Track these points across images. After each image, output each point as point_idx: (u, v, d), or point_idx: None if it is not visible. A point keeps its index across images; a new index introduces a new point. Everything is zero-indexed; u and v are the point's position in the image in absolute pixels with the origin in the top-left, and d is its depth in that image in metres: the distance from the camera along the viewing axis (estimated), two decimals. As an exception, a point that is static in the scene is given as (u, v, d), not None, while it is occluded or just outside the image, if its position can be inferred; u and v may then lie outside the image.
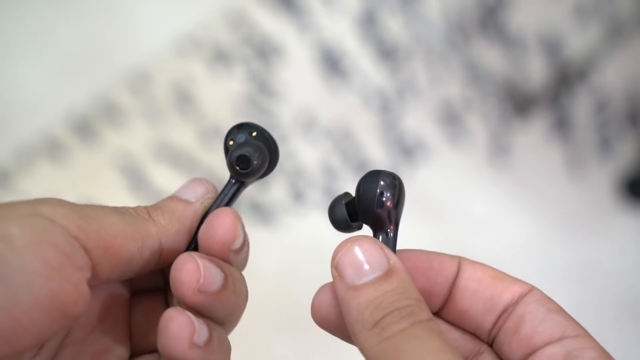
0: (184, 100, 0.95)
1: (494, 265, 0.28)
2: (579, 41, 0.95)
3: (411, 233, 0.86)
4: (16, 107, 0.97)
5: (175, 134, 0.93)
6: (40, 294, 0.21)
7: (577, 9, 0.96)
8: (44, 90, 0.96)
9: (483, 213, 0.89)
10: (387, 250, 0.25)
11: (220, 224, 0.26)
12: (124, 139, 0.93)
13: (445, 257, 0.27)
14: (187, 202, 0.28)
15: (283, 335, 0.82)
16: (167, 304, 0.29)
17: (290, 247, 0.84)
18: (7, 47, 0.99)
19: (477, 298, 0.27)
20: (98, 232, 0.23)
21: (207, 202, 0.28)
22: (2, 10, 1.00)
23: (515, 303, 0.27)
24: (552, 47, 0.95)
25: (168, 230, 0.26)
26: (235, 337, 0.29)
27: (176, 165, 0.91)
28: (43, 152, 0.92)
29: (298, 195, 0.88)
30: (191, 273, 0.25)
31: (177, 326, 0.24)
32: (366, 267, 0.24)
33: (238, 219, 0.27)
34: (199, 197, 0.28)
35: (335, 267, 0.25)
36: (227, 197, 0.28)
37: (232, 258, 0.27)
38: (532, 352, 0.25)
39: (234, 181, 0.29)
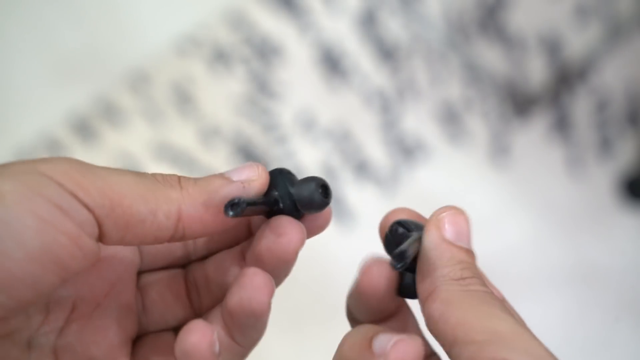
0: (184, 100, 0.95)
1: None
2: (579, 41, 0.95)
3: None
4: (16, 107, 0.97)
5: (175, 134, 0.93)
6: (31, 246, 0.22)
7: (577, 9, 0.96)
8: (44, 91, 0.96)
9: (483, 213, 0.89)
10: None
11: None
12: (124, 139, 0.93)
13: None
14: (228, 179, 0.27)
15: (283, 336, 0.82)
16: (186, 282, 0.30)
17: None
18: (7, 47, 0.99)
19: None
20: (101, 190, 0.23)
21: (249, 185, 0.27)
22: (2, 10, 1.00)
23: None
24: (552, 47, 0.95)
25: (194, 199, 0.26)
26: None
27: (176, 165, 0.91)
28: (43, 152, 0.92)
29: (298, 195, 0.88)
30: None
31: (262, 281, 0.25)
32: (464, 236, 0.27)
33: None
34: (242, 178, 0.27)
35: (439, 219, 0.27)
36: (259, 200, 0.27)
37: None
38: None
39: (275, 196, 0.28)
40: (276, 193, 0.27)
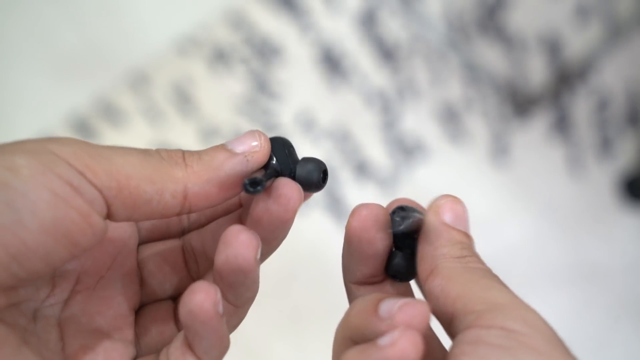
0: (184, 100, 0.95)
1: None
2: (579, 41, 0.95)
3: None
4: (16, 108, 0.97)
5: (175, 134, 0.93)
6: (44, 217, 0.22)
7: (577, 9, 0.96)
8: (44, 91, 0.96)
9: (483, 213, 0.89)
10: None
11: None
12: (124, 139, 0.93)
13: None
14: (231, 152, 0.27)
15: (283, 335, 0.82)
16: (183, 252, 0.30)
17: (290, 247, 0.84)
18: (7, 47, 0.99)
19: None
20: (109, 172, 0.24)
21: (252, 158, 0.27)
22: (2, 10, 1.00)
23: None
24: (552, 47, 0.95)
25: (199, 177, 0.26)
26: (235, 337, 0.29)
27: (176, 165, 0.91)
28: (43, 152, 0.92)
29: (298, 195, 0.88)
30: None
31: (247, 237, 0.25)
32: (463, 220, 0.27)
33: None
34: (245, 149, 0.27)
35: (438, 205, 0.28)
36: (268, 174, 0.28)
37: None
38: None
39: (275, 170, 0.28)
40: (275, 163, 0.28)
